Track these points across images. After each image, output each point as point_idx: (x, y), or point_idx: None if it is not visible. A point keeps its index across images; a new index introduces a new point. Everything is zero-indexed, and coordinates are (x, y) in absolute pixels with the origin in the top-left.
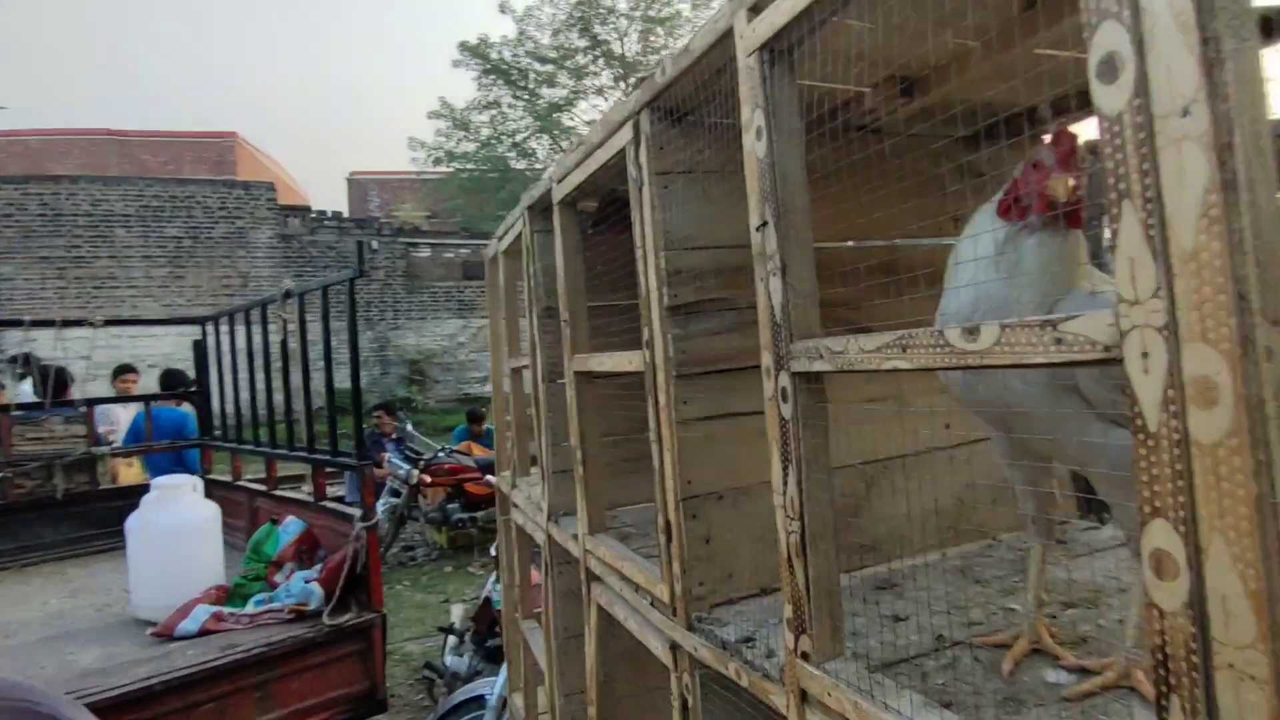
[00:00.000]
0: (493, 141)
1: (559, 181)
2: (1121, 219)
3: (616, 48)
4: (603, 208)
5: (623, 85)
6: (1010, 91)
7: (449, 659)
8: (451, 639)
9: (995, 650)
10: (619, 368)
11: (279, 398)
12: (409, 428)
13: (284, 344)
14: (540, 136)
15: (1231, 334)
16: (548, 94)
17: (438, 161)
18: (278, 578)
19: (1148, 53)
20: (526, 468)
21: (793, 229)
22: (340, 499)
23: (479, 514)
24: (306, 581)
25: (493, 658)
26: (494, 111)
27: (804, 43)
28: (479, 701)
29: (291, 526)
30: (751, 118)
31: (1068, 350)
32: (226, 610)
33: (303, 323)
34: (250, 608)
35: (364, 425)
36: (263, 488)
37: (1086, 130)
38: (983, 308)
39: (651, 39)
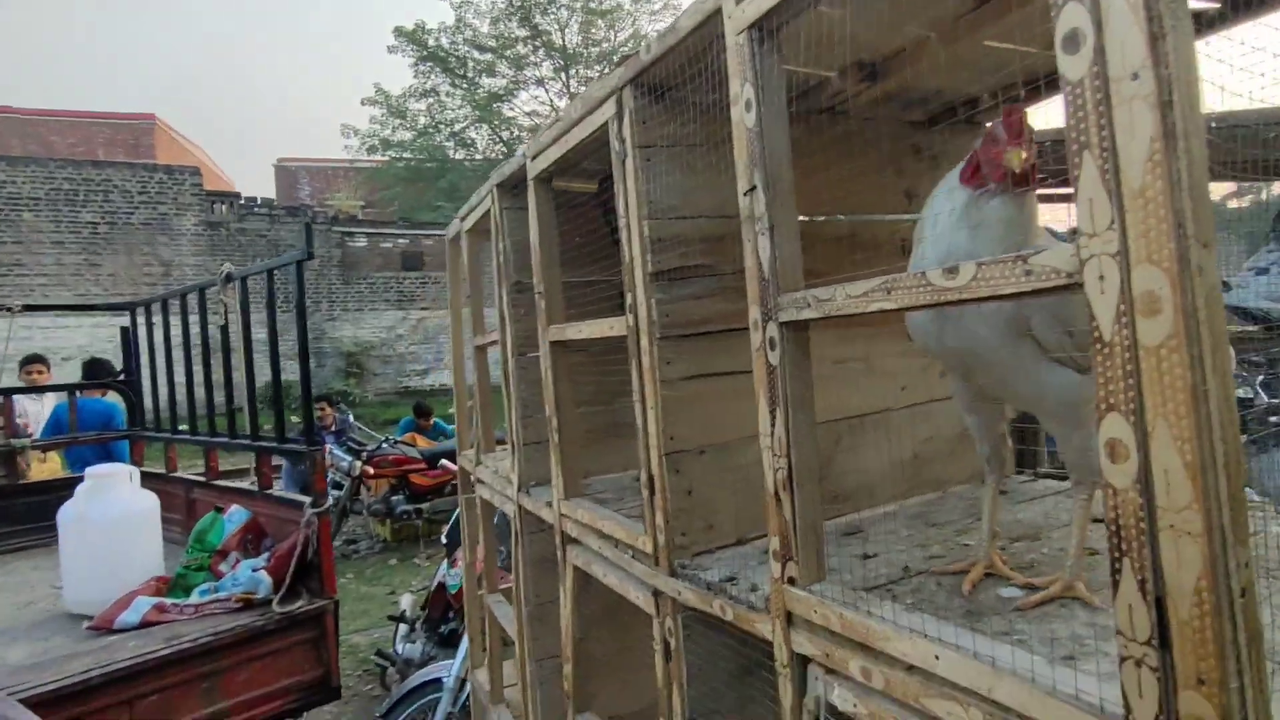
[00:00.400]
0: (430, 130)
1: (533, 158)
2: (1082, 167)
3: (557, 39)
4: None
5: (563, 77)
6: (959, 80)
7: (400, 646)
8: (402, 627)
9: (955, 577)
10: (598, 334)
11: (219, 386)
12: (351, 419)
13: (224, 330)
14: (479, 126)
15: (1171, 255)
16: (487, 83)
17: (372, 150)
18: (222, 567)
19: (1105, 29)
20: (491, 444)
21: (779, 194)
22: None
23: (424, 505)
24: (254, 570)
25: (446, 643)
26: (431, 100)
27: (789, 24)
28: (435, 684)
29: (236, 515)
30: (741, 91)
31: (1036, 279)
32: (169, 601)
33: (245, 307)
34: (195, 598)
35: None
36: (201, 479)
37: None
38: (952, 260)
39: (593, 31)
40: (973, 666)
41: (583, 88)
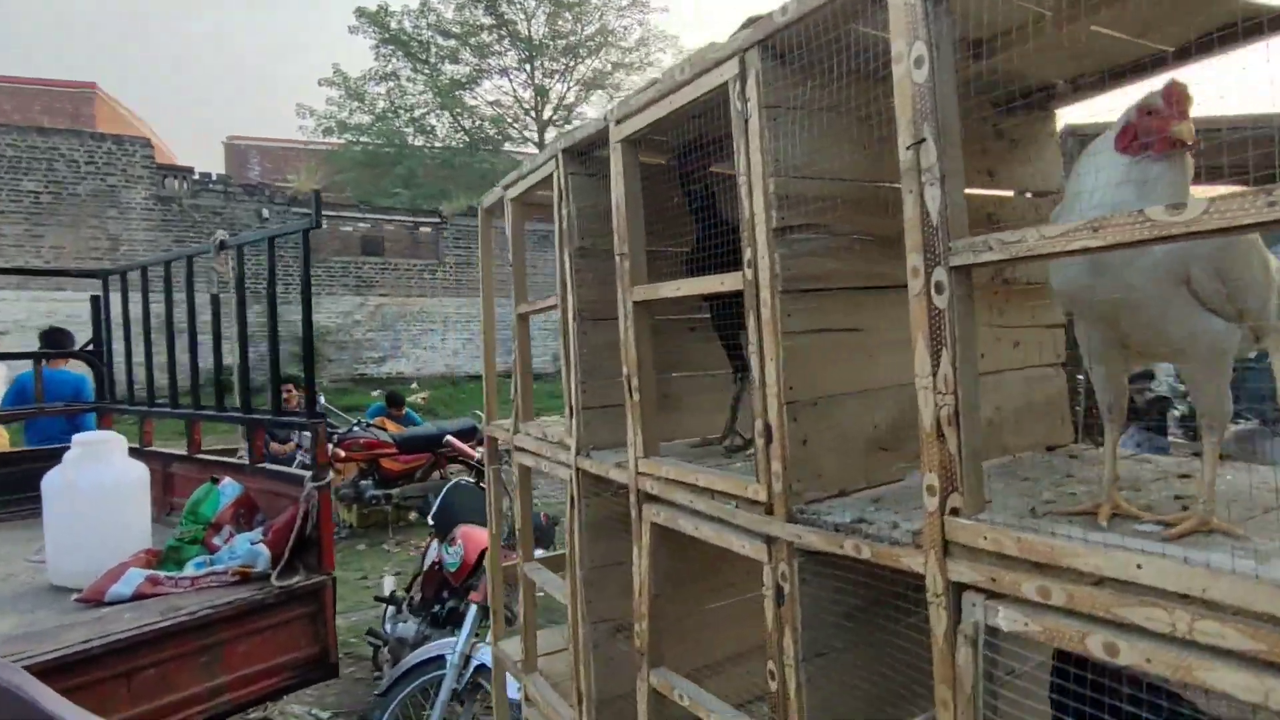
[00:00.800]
0: (389, 115)
1: (619, 121)
2: None
3: (523, 29)
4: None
5: (528, 68)
6: (1042, 65)
7: (390, 626)
8: (390, 608)
9: (1083, 517)
10: (701, 291)
11: (205, 357)
12: (322, 401)
13: (215, 299)
14: (440, 113)
15: None
16: (450, 70)
17: (328, 132)
18: (216, 540)
19: None
20: (530, 413)
21: (949, 145)
22: None
23: (393, 491)
24: (252, 544)
25: (439, 623)
26: (391, 84)
27: None
28: (437, 662)
29: (229, 488)
30: (908, 49)
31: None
32: (163, 574)
33: (241, 278)
34: (190, 570)
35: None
36: (181, 454)
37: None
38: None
39: (559, 23)
40: (1184, 570)
41: (548, 80)
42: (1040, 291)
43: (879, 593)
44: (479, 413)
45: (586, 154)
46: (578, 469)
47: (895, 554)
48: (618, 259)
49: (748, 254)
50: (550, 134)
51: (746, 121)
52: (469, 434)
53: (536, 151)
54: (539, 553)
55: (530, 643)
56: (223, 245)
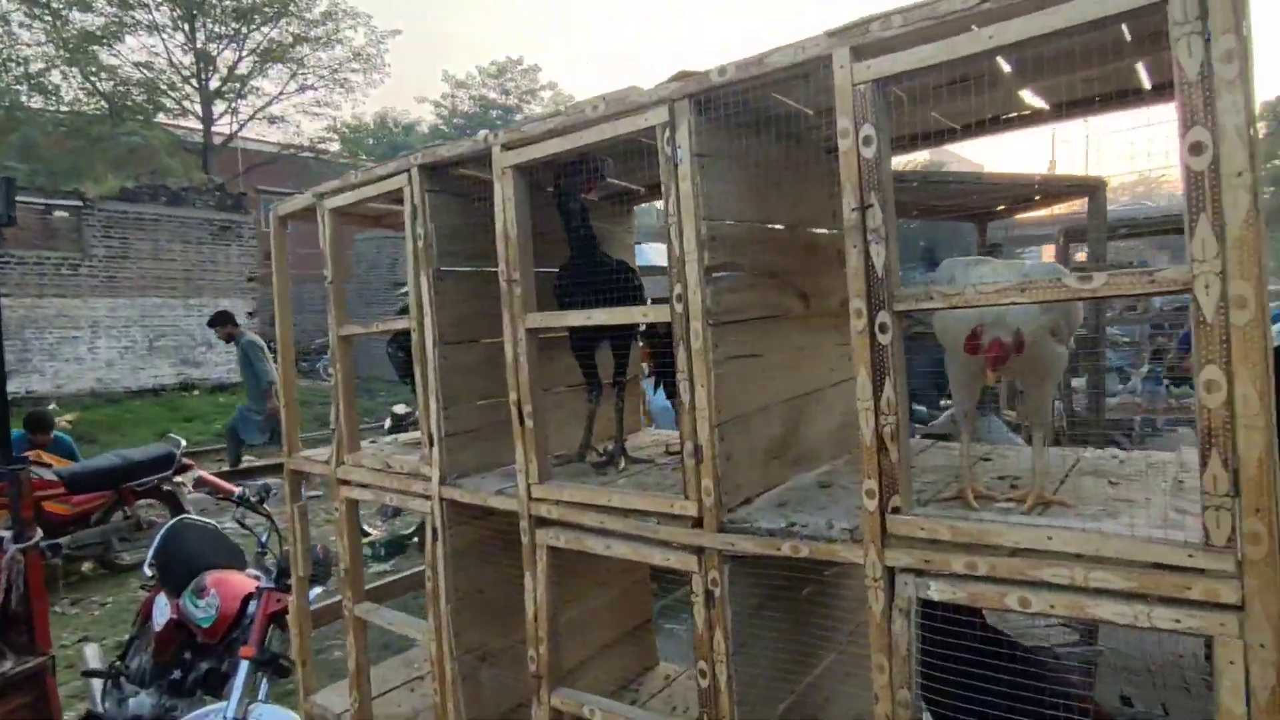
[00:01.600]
0: None
1: (509, 147)
2: (1198, 223)
3: None
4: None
5: (186, 28)
6: None
7: (115, 705)
8: (101, 683)
9: (952, 502)
10: (618, 320)
11: None
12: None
13: None
14: (69, 72)
15: (1255, 274)
16: (79, 19)
17: None
18: None
19: (1220, 144)
20: (356, 443)
21: (889, 212)
22: None
23: (63, 540)
24: None
25: (182, 691)
26: None
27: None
28: None
29: None
30: (857, 128)
31: (1157, 285)
32: None
33: None
34: None
35: None
36: None
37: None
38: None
39: None
40: (1082, 537)
41: (213, 45)
42: None
43: (777, 583)
44: (175, 435)
45: (439, 171)
46: (443, 499)
47: (833, 550)
48: (506, 286)
49: (676, 289)
50: (220, 106)
51: (676, 166)
52: (165, 462)
53: (199, 124)
54: (316, 590)
55: (363, 690)
56: None
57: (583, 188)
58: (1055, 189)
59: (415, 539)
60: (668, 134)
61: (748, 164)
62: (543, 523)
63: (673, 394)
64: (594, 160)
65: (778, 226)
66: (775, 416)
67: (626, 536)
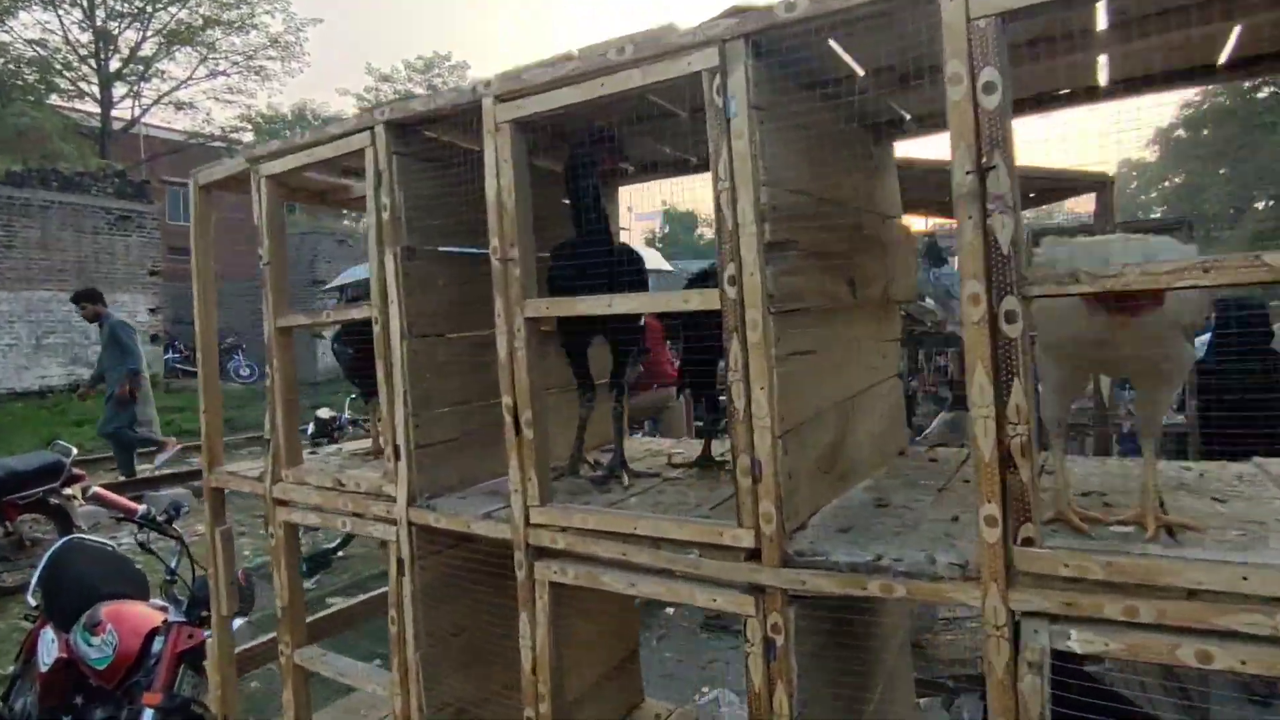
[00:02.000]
0: None
1: (504, 99)
2: None
3: None
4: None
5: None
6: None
7: None
8: None
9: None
10: (652, 308)
11: None
12: None
13: None
14: None
15: None
16: None
17: None
18: None
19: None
20: (298, 456)
21: (1014, 175)
22: None
23: None
24: None
25: None
26: None
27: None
28: None
29: None
30: (973, 73)
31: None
32: None
33: None
34: None
35: None
36: None
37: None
38: None
39: None
40: None
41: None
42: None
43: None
44: (64, 443)
45: (414, 130)
46: (411, 524)
47: (939, 589)
48: (500, 265)
49: (730, 269)
50: (120, 89)
51: (730, 121)
52: (52, 472)
53: (96, 108)
54: (239, 622)
55: None
56: None
57: (602, 162)
58: (1063, 185)
59: (340, 553)
60: (717, 82)
61: (802, 126)
62: (544, 554)
63: (701, 399)
64: (606, 129)
65: (836, 201)
66: (827, 424)
67: (657, 572)
